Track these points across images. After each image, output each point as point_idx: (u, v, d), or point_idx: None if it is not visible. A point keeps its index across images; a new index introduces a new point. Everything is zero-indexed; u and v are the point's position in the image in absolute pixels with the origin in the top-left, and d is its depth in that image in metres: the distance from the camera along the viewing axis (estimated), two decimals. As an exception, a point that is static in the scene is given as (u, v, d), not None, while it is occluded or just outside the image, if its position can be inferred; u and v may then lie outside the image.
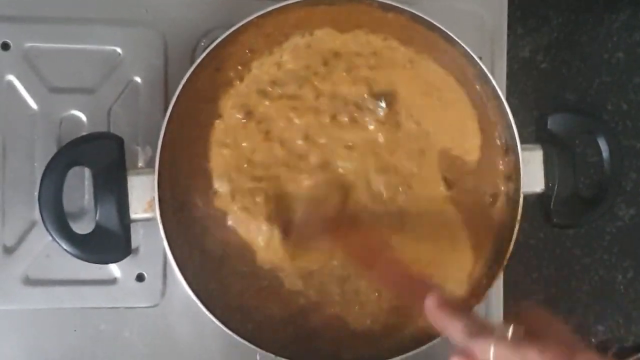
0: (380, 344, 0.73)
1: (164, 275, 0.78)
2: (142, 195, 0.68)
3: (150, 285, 0.77)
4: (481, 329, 0.57)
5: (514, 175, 0.73)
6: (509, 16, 0.85)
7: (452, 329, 0.58)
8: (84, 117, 0.77)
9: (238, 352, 0.77)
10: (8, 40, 0.76)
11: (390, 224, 0.73)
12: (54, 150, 0.75)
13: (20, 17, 0.77)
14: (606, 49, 0.94)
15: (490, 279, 0.73)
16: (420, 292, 0.64)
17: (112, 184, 0.67)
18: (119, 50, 0.78)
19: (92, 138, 0.70)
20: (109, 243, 0.66)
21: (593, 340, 0.93)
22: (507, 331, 0.55)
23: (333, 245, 0.72)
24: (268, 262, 0.71)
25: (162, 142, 0.68)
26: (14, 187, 0.75)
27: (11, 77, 0.76)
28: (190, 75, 0.69)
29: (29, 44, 0.77)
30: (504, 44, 0.84)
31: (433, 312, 0.60)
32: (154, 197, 0.67)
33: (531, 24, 0.92)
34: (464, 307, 0.60)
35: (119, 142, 0.68)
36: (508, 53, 0.85)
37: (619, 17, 0.94)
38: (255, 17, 0.70)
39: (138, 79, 0.78)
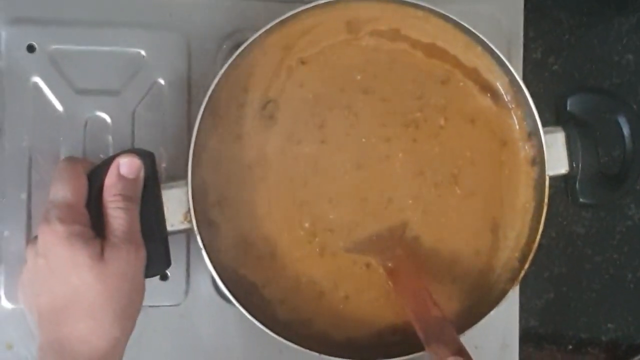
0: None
1: (188, 275, 0.79)
2: (178, 208, 0.69)
3: (174, 284, 0.78)
4: None
5: (538, 159, 0.75)
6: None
7: None
8: (108, 119, 0.78)
9: (261, 349, 0.79)
10: (33, 43, 0.77)
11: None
12: (79, 151, 0.77)
13: (45, 19, 0.78)
14: (616, 51, 0.95)
15: (522, 263, 0.75)
16: (434, 324, 0.66)
17: (148, 199, 0.67)
18: (143, 52, 0.79)
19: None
20: (150, 257, 0.66)
21: (603, 338, 0.94)
22: None
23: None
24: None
25: (193, 154, 0.69)
26: (40, 188, 0.76)
27: (37, 79, 0.77)
28: (215, 85, 0.70)
29: (54, 46, 0.77)
30: (520, 47, 0.85)
31: None
32: (189, 209, 0.69)
33: (543, 27, 0.93)
34: None
35: (151, 158, 0.69)
36: (520, 55, 0.86)
37: (629, 19, 0.95)
38: (280, 20, 0.71)
39: (162, 81, 0.79)
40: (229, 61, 0.69)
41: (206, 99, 0.69)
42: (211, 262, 0.69)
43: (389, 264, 0.73)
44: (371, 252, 0.74)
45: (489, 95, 0.76)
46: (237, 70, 0.72)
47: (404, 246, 0.75)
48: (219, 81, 0.69)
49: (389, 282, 0.73)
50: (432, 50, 0.76)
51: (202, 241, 0.69)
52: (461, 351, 0.63)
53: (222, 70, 0.69)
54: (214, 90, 0.69)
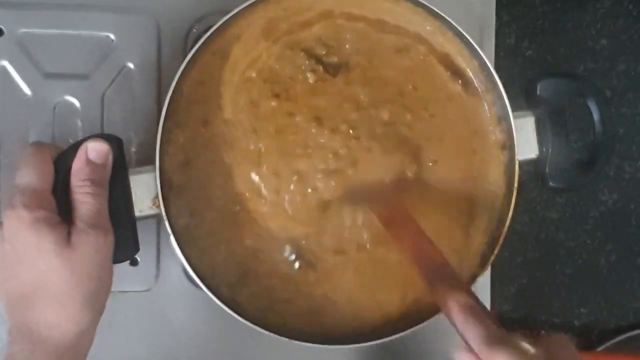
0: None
1: (158, 260, 0.78)
2: (146, 193, 0.69)
3: (144, 269, 0.78)
4: (500, 340, 0.55)
5: (508, 143, 0.75)
6: (495, 3, 0.86)
7: (472, 333, 0.57)
8: (77, 103, 0.77)
9: (231, 334, 0.79)
10: (1, 26, 0.77)
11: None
12: (48, 135, 0.76)
13: (14, 2, 0.77)
14: (590, 36, 0.95)
15: (492, 247, 0.74)
16: (437, 269, 0.65)
17: (116, 185, 0.67)
18: (112, 36, 0.78)
19: None
20: (118, 242, 0.66)
21: (576, 322, 0.95)
22: (528, 349, 0.54)
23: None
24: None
25: (161, 139, 0.69)
26: (8, 172, 0.76)
27: (5, 63, 0.76)
28: (184, 68, 0.70)
29: (23, 30, 0.77)
30: (492, 31, 0.85)
31: (456, 312, 0.59)
32: (157, 194, 0.69)
33: (517, 11, 0.93)
34: (486, 313, 0.60)
35: (118, 143, 0.68)
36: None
37: (603, 4, 0.95)
38: (249, 4, 0.70)
39: (131, 65, 0.78)
40: (196, 46, 0.69)
41: (174, 83, 0.69)
42: (180, 247, 0.69)
43: (384, 213, 0.72)
44: (363, 201, 0.73)
45: (459, 81, 0.76)
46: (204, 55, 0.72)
47: (399, 193, 0.74)
48: (185, 67, 0.69)
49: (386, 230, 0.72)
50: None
51: (171, 227, 0.69)
52: (467, 290, 0.62)
53: (189, 55, 0.69)
54: (181, 75, 0.69)
